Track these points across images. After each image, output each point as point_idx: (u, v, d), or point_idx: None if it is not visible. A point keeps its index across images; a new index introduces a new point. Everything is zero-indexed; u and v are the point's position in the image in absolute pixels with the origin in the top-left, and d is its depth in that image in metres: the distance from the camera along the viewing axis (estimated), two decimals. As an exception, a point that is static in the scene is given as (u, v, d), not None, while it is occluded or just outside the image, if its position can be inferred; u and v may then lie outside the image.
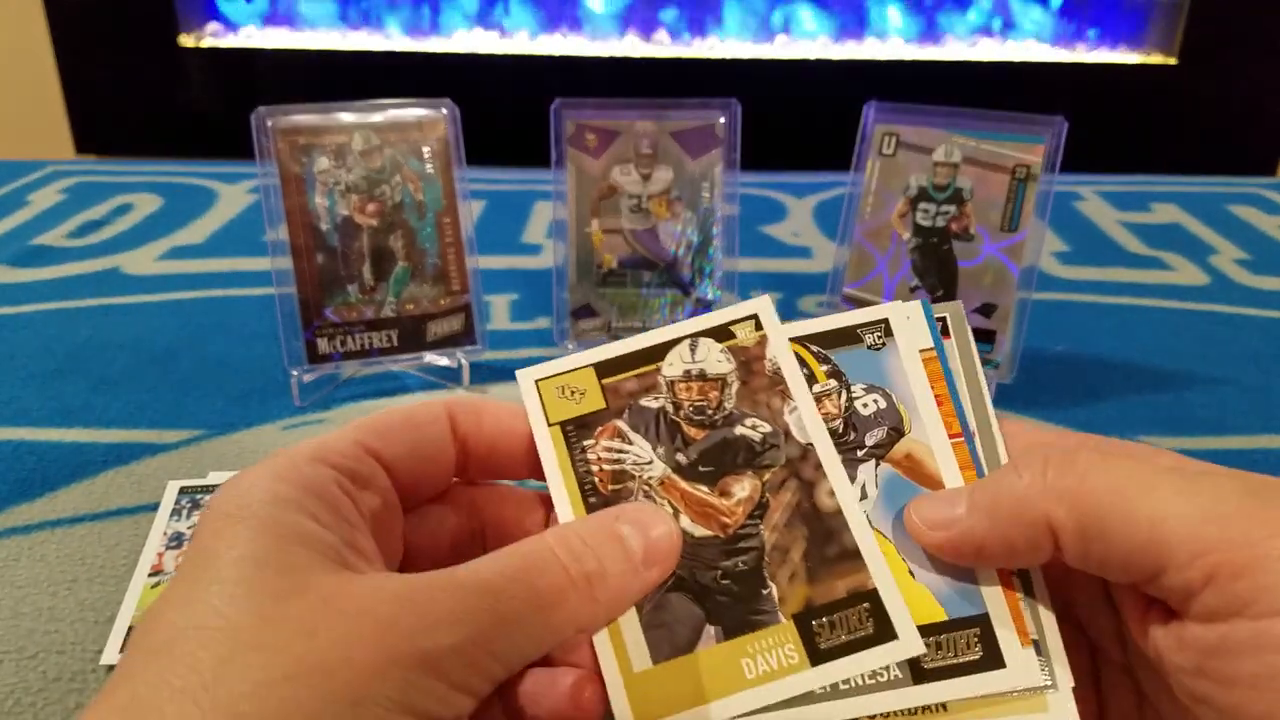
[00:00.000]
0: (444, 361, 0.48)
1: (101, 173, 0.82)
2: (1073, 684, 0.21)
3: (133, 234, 0.68)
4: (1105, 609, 0.22)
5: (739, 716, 0.20)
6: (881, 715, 0.21)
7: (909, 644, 0.20)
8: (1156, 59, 1.26)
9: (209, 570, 0.17)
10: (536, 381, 0.23)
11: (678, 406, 0.22)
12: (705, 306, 0.50)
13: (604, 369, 0.23)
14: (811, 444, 0.22)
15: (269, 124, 0.44)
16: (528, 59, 1.30)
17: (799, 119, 1.18)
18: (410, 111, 0.46)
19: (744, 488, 0.21)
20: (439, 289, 0.48)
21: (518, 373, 0.23)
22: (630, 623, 0.21)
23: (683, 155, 0.48)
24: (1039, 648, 0.22)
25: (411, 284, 0.47)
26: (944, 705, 0.21)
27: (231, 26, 1.35)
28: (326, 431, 0.43)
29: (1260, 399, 0.48)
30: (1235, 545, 0.17)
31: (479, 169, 0.60)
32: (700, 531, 0.21)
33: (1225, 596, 0.17)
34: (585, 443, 0.22)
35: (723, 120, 0.47)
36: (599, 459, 0.22)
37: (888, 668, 0.20)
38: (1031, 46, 1.29)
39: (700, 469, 0.22)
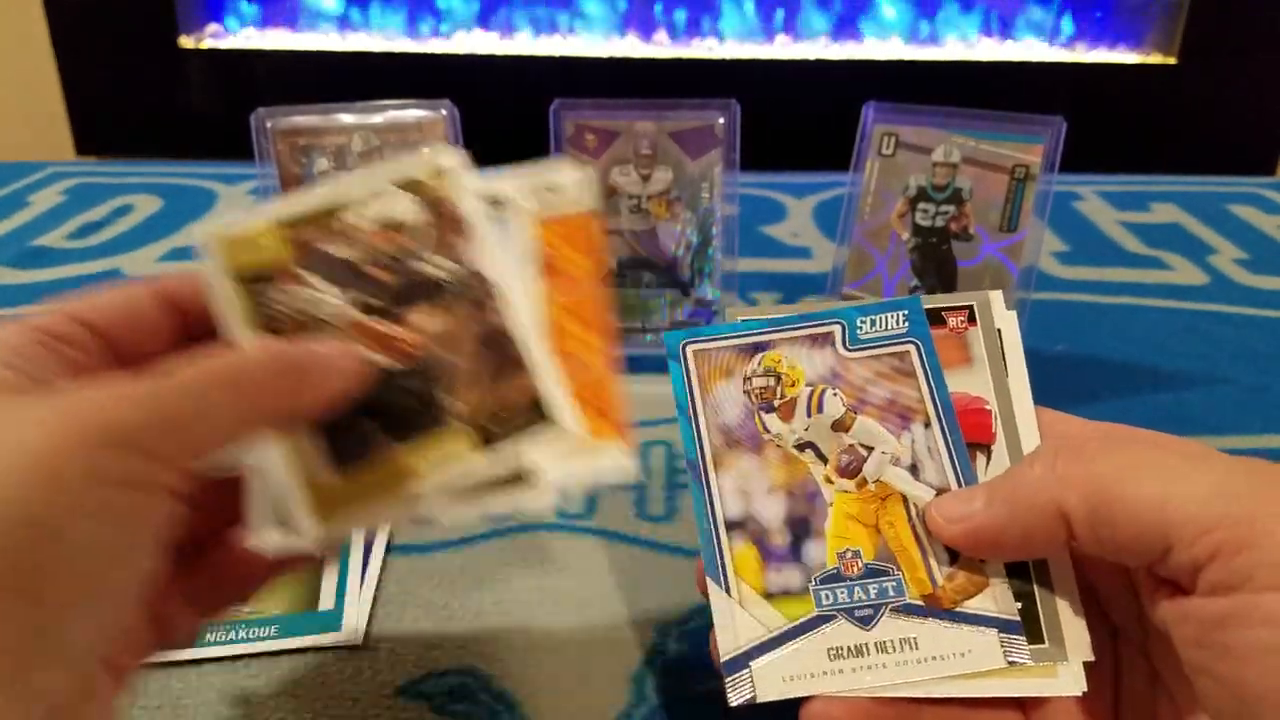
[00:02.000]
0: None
1: (102, 174, 0.82)
2: (1090, 658, 0.22)
3: (133, 235, 0.68)
4: (1127, 592, 0.23)
5: (420, 499, 0.21)
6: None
7: (566, 426, 0.22)
8: (1156, 59, 1.26)
9: None
10: (216, 236, 0.23)
11: (369, 253, 0.23)
12: (705, 307, 0.50)
13: (289, 222, 0.23)
14: (493, 279, 0.23)
15: (269, 125, 0.44)
16: (527, 60, 1.30)
17: (798, 119, 1.18)
18: (410, 113, 0.46)
19: (433, 322, 0.23)
20: (439, 289, 0.48)
21: (195, 230, 0.23)
22: (312, 438, 0.21)
23: (682, 156, 0.48)
24: (1046, 632, 0.23)
25: (411, 285, 0.47)
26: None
27: (231, 28, 1.35)
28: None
29: (1259, 398, 0.48)
30: (1238, 521, 0.18)
31: (479, 170, 0.60)
32: (388, 362, 0.22)
33: (1228, 571, 0.18)
34: (270, 293, 0.22)
35: (722, 121, 0.48)
36: (283, 305, 0.23)
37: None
38: (1030, 46, 1.29)
39: (390, 309, 0.23)
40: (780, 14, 1.32)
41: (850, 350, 0.26)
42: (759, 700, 0.22)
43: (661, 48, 1.31)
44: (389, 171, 0.23)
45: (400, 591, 0.34)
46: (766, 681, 0.23)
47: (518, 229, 0.24)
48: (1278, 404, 0.48)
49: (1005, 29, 1.30)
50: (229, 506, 0.23)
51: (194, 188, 0.79)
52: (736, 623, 0.23)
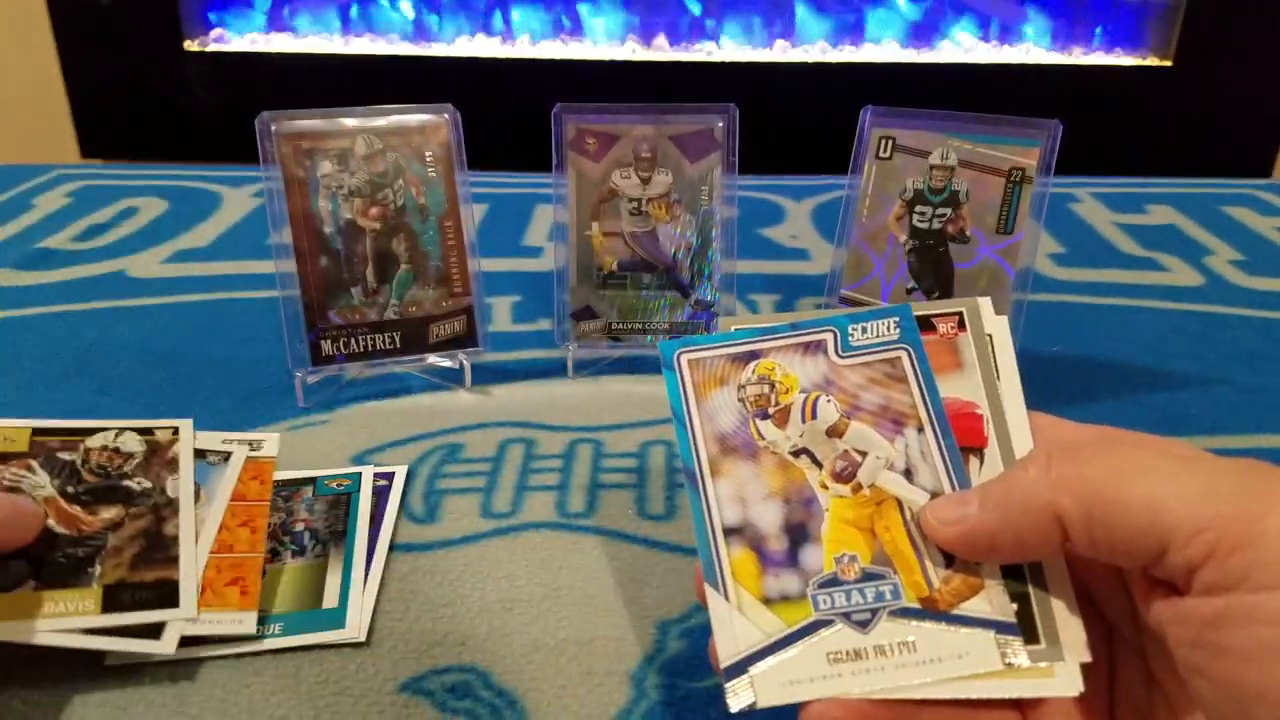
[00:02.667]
0: (446, 363, 0.49)
1: (106, 176, 0.83)
2: (1087, 659, 0.23)
3: (138, 237, 0.69)
4: (1121, 594, 0.23)
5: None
6: None
7: (185, 606, 0.31)
8: (1152, 61, 1.26)
9: None
10: None
11: (87, 463, 0.33)
12: (705, 308, 0.50)
13: (40, 431, 0.33)
14: (177, 499, 0.33)
15: (273, 128, 0.45)
16: (529, 64, 1.31)
17: (797, 123, 1.19)
18: (413, 116, 0.47)
19: (110, 512, 0.32)
20: (441, 291, 0.48)
21: None
22: None
23: (682, 159, 0.48)
24: (1041, 632, 0.23)
25: (414, 286, 0.48)
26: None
27: (235, 31, 1.35)
28: (330, 432, 0.44)
29: (1254, 399, 0.48)
30: (1232, 521, 0.18)
31: (480, 173, 0.61)
32: (63, 531, 0.31)
33: (1223, 571, 0.18)
34: (4, 472, 0.32)
35: (721, 124, 0.48)
36: (6, 479, 0.32)
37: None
38: (1027, 50, 1.29)
39: (83, 498, 0.32)
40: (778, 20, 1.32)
41: (843, 357, 0.26)
42: (760, 705, 0.23)
43: (661, 52, 1.32)
44: (133, 425, 0.35)
45: (403, 590, 0.34)
46: (767, 686, 0.23)
47: (222, 470, 0.36)
48: (1273, 404, 0.48)
49: (1003, 33, 1.31)
50: None
51: (198, 190, 0.80)
52: (735, 629, 0.23)
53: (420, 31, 1.34)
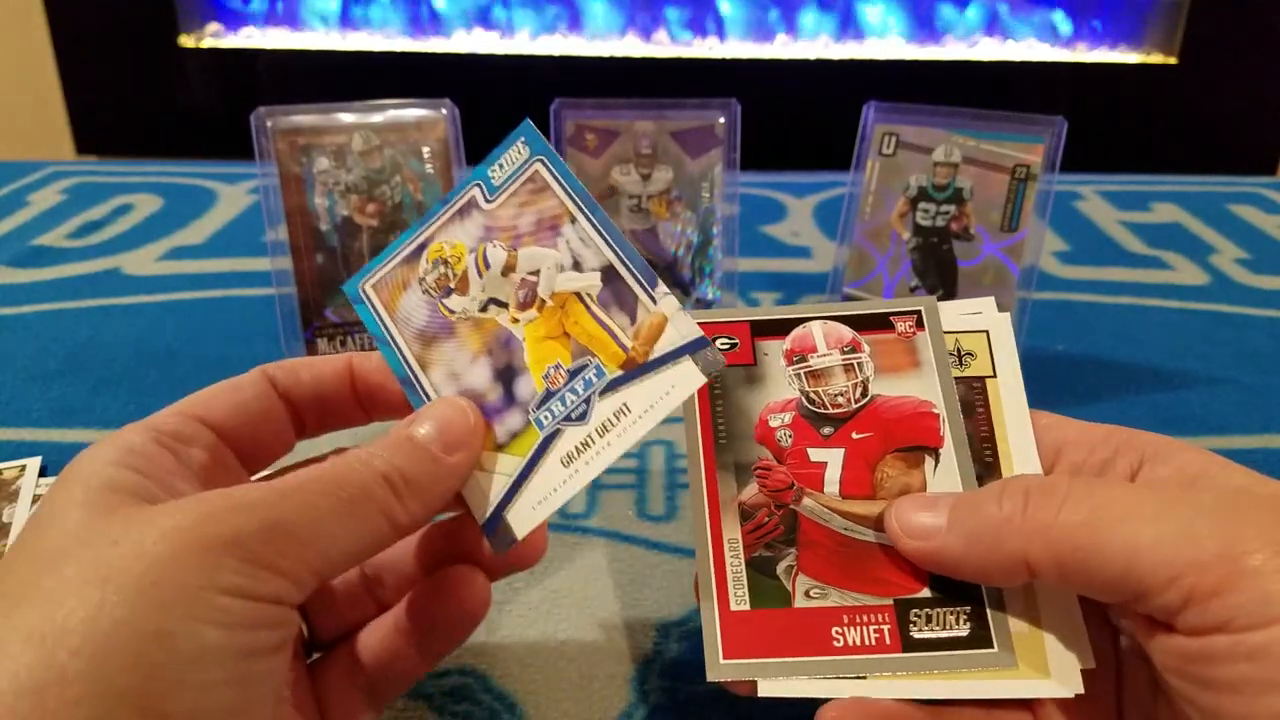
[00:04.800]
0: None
1: (102, 173, 0.82)
2: (1089, 665, 0.22)
3: (133, 234, 0.68)
4: None
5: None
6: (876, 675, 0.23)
7: None
8: (1156, 58, 1.26)
9: (41, 527, 0.20)
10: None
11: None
12: (706, 307, 0.50)
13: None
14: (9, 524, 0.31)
15: (269, 124, 0.44)
16: (527, 59, 1.30)
17: (799, 119, 1.18)
18: (410, 112, 0.46)
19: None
20: (439, 289, 0.48)
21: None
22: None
23: (682, 155, 0.48)
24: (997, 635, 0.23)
25: (411, 284, 0.47)
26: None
27: (232, 27, 1.35)
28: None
29: (1260, 398, 0.48)
30: (1208, 566, 0.18)
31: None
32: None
33: (1204, 615, 0.18)
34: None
35: (722, 120, 0.47)
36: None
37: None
38: (1031, 46, 1.29)
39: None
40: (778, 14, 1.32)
41: (491, 201, 0.26)
42: (518, 537, 0.23)
43: (662, 47, 1.31)
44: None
45: (400, 591, 0.34)
46: (519, 518, 0.23)
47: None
48: (1278, 404, 0.48)
49: (1006, 29, 1.30)
50: (357, 607, 0.25)
51: (194, 187, 0.79)
52: (483, 487, 0.24)
53: (418, 26, 1.33)
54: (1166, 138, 1.28)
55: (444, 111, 0.47)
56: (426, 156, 0.47)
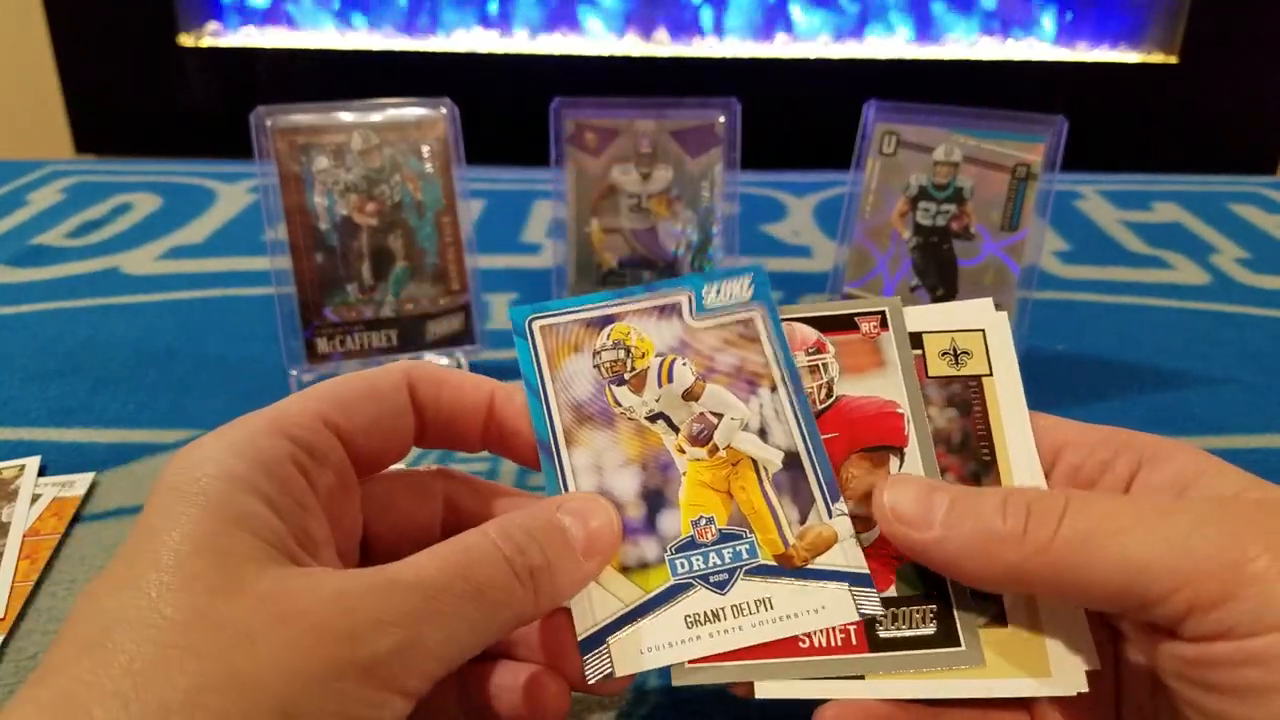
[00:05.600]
0: (443, 361, 0.48)
1: (101, 172, 0.82)
2: (1094, 667, 0.22)
3: (132, 234, 0.68)
4: None
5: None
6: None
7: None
8: (1157, 58, 1.26)
9: (149, 552, 0.17)
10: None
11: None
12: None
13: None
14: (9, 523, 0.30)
15: (268, 123, 0.44)
16: (527, 58, 1.30)
17: (799, 118, 1.18)
18: (409, 111, 0.46)
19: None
20: (438, 288, 0.48)
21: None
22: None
23: (682, 154, 0.48)
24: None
25: (411, 283, 0.47)
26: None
27: (231, 26, 1.35)
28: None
29: (1261, 398, 0.48)
30: (1209, 577, 0.18)
31: (478, 168, 0.60)
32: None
33: (1207, 624, 0.18)
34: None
35: (722, 119, 0.47)
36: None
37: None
38: (1032, 45, 1.29)
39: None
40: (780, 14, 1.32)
41: (697, 319, 0.26)
42: (617, 675, 0.22)
43: (662, 46, 1.31)
44: None
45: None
46: (624, 654, 0.22)
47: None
48: (1279, 403, 0.47)
49: (1006, 28, 1.30)
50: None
51: (193, 186, 0.79)
52: (593, 600, 0.23)
53: (417, 25, 1.33)
54: (1166, 137, 1.28)
55: (443, 110, 0.46)
56: (426, 156, 0.47)
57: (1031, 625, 0.23)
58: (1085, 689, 0.22)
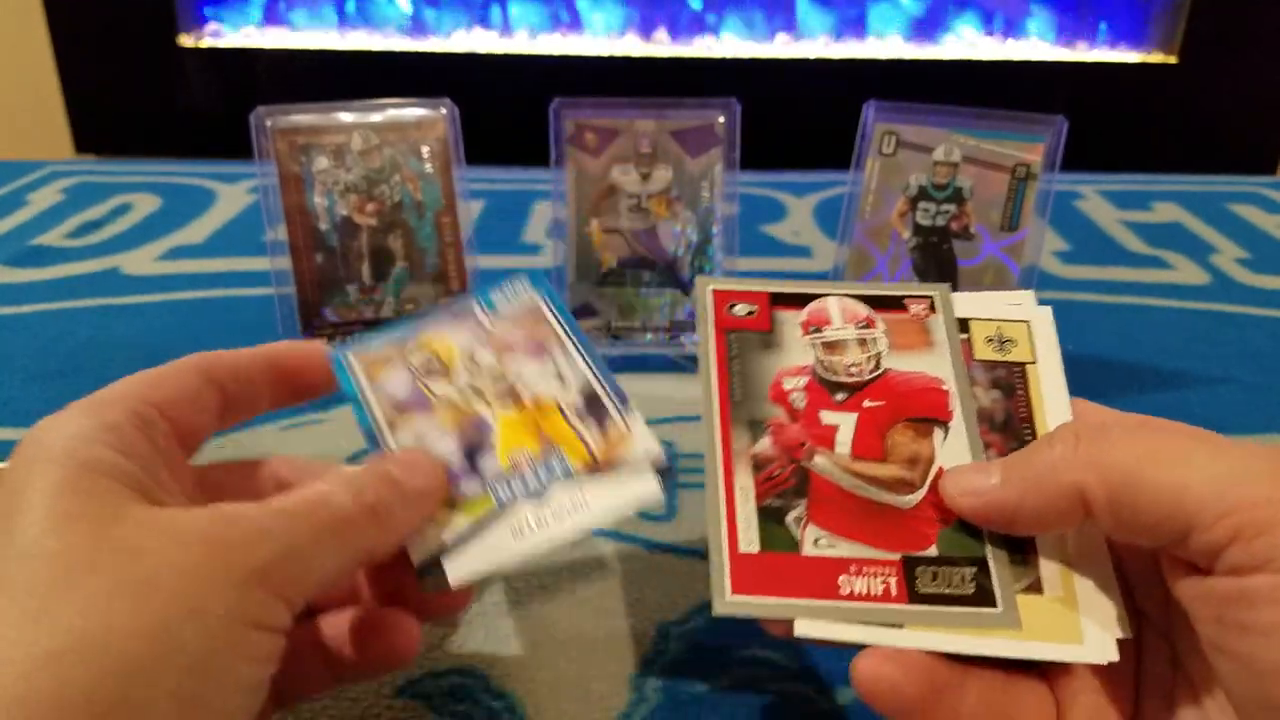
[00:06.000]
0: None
1: (101, 173, 0.82)
2: (1127, 635, 0.22)
3: (132, 234, 0.68)
4: (1153, 579, 0.23)
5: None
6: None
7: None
8: (1157, 58, 1.26)
9: (19, 506, 0.18)
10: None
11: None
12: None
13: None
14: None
15: (268, 124, 0.44)
16: (527, 58, 1.30)
17: (799, 118, 1.18)
18: (409, 111, 0.46)
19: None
20: (438, 289, 0.48)
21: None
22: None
23: (682, 155, 0.48)
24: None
25: (411, 284, 0.47)
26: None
27: (231, 26, 1.35)
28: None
29: (1261, 398, 0.48)
30: (1258, 505, 0.18)
31: (478, 169, 0.60)
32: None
33: (1248, 553, 0.18)
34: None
35: (722, 120, 0.47)
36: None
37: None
38: (1032, 45, 1.29)
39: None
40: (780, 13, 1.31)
41: (488, 314, 0.30)
42: (451, 584, 0.24)
43: (662, 46, 1.31)
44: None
45: (399, 592, 0.34)
46: (457, 568, 0.24)
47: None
48: (1279, 404, 0.47)
49: (1007, 28, 1.30)
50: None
51: (193, 186, 0.79)
52: (426, 534, 0.25)
53: (417, 26, 1.33)
54: (1166, 137, 1.28)
55: (443, 111, 0.46)
56: (426, 156, 0.47)
57: (1066, 593, 0.23)
58: (1116, 658, 0.22)
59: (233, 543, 0.18)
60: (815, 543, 0.24)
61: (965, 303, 0.28)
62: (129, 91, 1.36)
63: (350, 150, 0.45)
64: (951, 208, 0.46)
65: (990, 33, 1.31)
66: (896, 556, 0.23)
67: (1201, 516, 0.19)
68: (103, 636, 0.16)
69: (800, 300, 0.27)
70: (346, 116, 0.45)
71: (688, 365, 0.50)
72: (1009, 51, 1.30)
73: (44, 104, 1.36)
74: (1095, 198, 0.79)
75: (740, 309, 0.27)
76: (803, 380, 0.26)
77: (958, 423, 0.25)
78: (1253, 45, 1.23)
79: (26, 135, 1.39)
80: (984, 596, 0.23)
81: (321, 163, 0.45)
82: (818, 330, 0.27)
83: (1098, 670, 0.22)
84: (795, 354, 0.27)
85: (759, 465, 0.25)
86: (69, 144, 1.39)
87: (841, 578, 0.23)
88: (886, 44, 1.32)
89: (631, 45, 1.33)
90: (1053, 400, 0.26)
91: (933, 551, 0.24)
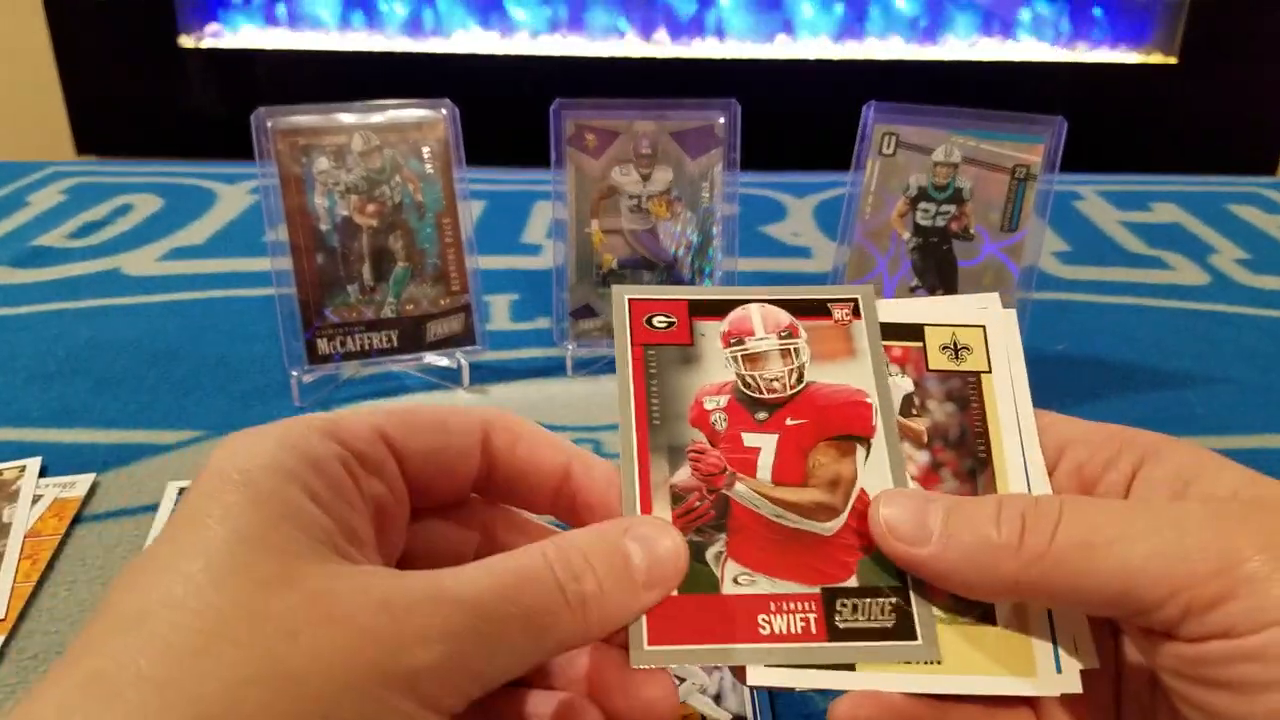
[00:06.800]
0: (444, 362, 0.49)
1: (102, 173, 0.82)
2: (1092, 666, 0.22)
3: (133, 235, 0.68)
4: None
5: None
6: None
7: None
8: (1157, 58, 1.26)
9: (196, 537, 0.17)
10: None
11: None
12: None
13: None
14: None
15: (269, 125, 0.44)
16: (527, 59, 1.30)
17: (799, 119, 1.18)
18: (410, 112, 0.46)
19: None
20: (439, 289, 0.48)
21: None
22: None
23: (682, 155, 0.48)
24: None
25: (411, 284, 0.47)
26: (938, 661, 0.22)
27: (231, 27, 1.35)
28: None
29: (1260, 398, 0.48)
30: (1205, 579, 0.18)
31: (479, 169, 0.60)
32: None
33: (1204, 625, 0.18)
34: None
35: (722, 120, 0.47)
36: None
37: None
38: (1031, 46, 1.29)
39: None
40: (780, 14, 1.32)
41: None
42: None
43: (662, 47, 1.31)
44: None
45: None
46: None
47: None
48: (1278, 403, 0.48)
49: (1006, 29, 1.30)
50: None
51: (194, 187, 0.79)
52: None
53: (418, 26, 1.33)
54: (1166, 138, 1.28)
55: (444, 112, 0.46)
56: (426, 156, 0.47)
57: (1020, 623, 0.23)
58: (1078, 689, 0.22)
59: (388, 643, 0.16)
60: (734, 580, 0.23)
61: (920, 309, 0.26)
62: (130, 92, 1.36)
63: (351, 151, 0.45)
64: (951, 208, 0.46)
65: (989, 33, 1.31)
66: (816, 590, 0.23)
67: (1151, 596, 0.19)
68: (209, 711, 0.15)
69: (721, 309, 0.26)
70: (347, 117, 0.45)
71: (688, 366, 0.50)
72: (1008, 52, 1.30)
73: (45, 105, 1.36)
74: (1095, 198, 0.79)
75: (659, 320, 0.26)
76: (724, 399, 0.25)
77: (879, 438, 0.24)
78: (1253, 46, 1.23)
79: (28, 136, 1.39)
80: (904, 627, 0.22)
81: (322, 163, 0.45)
82: (739, 342, 0.25)
83: (1077, 696, 0.22)
84: (716, 369, 0.25)
85: (678, 497, 0.23)
86: (70, 145, 1.39)
87: (761, 617, 0.22)
88: (886, 44, 1.32)
89: (631, 46, 1.33)
90: (1010, 413, 0.25)
91: (853, 582, 0.23)
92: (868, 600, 0.23)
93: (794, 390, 0.25)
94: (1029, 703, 0.23)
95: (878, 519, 0.22)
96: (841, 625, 0.22)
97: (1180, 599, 0.18)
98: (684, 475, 0.24)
